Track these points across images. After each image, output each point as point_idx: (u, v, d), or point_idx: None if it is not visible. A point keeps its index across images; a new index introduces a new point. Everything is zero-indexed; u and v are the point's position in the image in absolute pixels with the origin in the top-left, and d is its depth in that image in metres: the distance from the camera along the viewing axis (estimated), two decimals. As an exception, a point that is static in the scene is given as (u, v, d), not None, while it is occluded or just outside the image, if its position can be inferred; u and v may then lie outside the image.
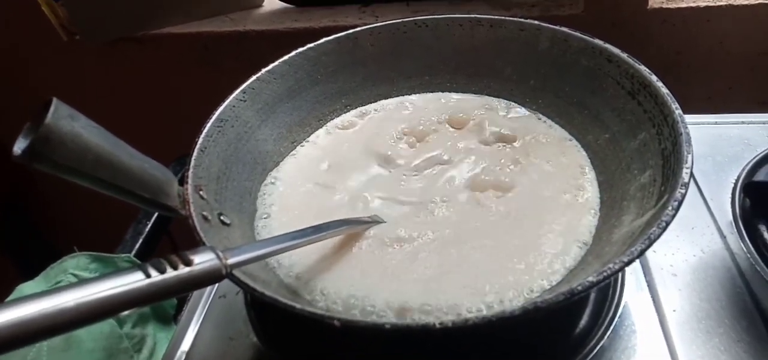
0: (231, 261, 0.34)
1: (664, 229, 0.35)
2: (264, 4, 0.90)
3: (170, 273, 0.31)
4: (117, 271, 0.29)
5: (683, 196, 0.37)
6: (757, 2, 0.72)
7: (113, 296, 0.29)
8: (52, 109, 0.34)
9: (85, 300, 0.28)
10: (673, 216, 0.36)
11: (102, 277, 0.29)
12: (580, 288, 0.32)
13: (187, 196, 0.43)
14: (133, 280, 0.30)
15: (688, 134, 0.41)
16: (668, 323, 0.44)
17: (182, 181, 0.44)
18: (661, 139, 0.44)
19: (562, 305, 0.32)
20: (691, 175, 0.38)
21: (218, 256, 0.33)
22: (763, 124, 0.63)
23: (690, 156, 0.40)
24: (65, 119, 0.35)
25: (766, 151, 0.58)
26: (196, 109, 0.56)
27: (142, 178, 0.40)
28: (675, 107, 0.44)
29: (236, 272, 0.35)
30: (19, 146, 0.35)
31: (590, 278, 0.33)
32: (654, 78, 0.47)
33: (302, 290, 0.43)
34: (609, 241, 0.42)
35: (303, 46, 0.61)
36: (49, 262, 0.58)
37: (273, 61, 0.59)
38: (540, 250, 0.44)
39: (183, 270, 0.32)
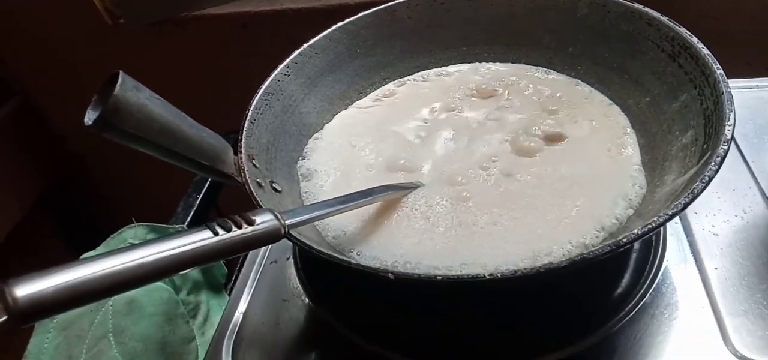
0: (288, 221, 0.36)
1: (707, 183, 0.36)
2: (300, -18, 0.92)
3: (235, 232, 0.33)
4: (187, 231, 0.32)
5: (726, 152, 0.38)
6: (799, -37, 0.71)
7: (185, 252, 0.31)
8: (119, 81, 0.37)
9: (162, 255, 0.30)
10: (716, 171, 0.37)
11: (174, 235, 0.31)
12: (625, 240, 0.33)
13: (242, 164, 0.45)
14: (202, 238, 0.32)
15: (730, 93, 0.42)
16: (710, 281, 0.45)
17: (235, 151, 0.47)
18: (703, 100, 0.45)
19: (608, 257, 0.33)
20: (733, 132, 0.39)
21: (277, 217, 0.35)
22: (807, 86, 0.63)
23: (732, 114, 0.40)
24: (131, 90, 0.37)
25: (809, 113, 0.57)
26: (236, 88, 0.58)
27: (201, 146, 0.42)
28: (716, 67, 0.44)
29: (292, 232, 0.37)
30: (89, 117, 0.37)
31: (635, 231, 0.34)
32: (695, 40, 0.48)
33: (347, 251, 0.45)
34: (651, 200, 0.43)
35: (340, 21, 0.62)
36: (100, 243, 0.62)
37: (309, 38, 0.60)
38: (585, 209, 0.45)
39: (246, 229, 0.34)
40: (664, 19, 0.51)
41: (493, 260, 0.42)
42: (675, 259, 0.47)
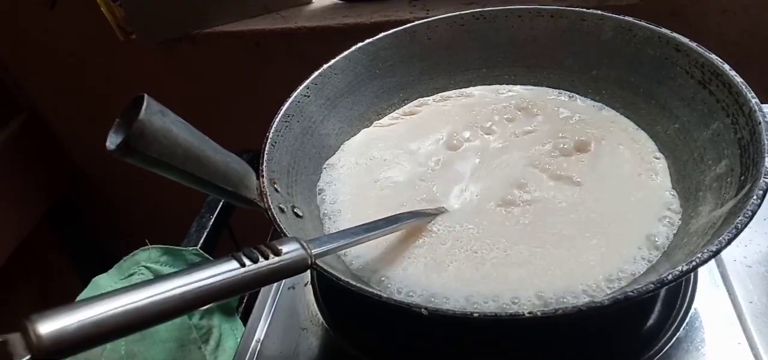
0: (315, 251, 0.35)
1: (751, 217, 0.35)
2: (314, 0, 0.91)
3: (262, 263, 0.32)
4: (214, 261, 0.30)
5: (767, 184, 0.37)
6: (822, -13, 0.70)
7: (213, 284, 0.30)
8: (144, 105, 0.35)
9: (189, 288, 0.29)
10: (759, 204, 0.36)
11: (200, 266, 0.30)
12: (670, 277, 0.32)
13: (264, 189, 0.44)
14: (229, 269, 0.31)
15: (767, 122, 0.41)
16: (745, 315, 0.43)
17: (257, 175, 0.45)
18: (737, 129, 0.44)
19: (652, 294, 0.32)
20: (775, 163, 0.38)
21: (303, 247, 0.34)
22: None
23: (772, 144, 0.39)
24: (157, 115, 0.36)
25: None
26: (249, 106, 0.57)
27: (225, 172, 0.41)
28: (751, 96, 0.43)
29: (319, 262, 0.36)
30: (112, 141, 0.36)
31: (681, 267, 0.32)
32: (727, 67, 0.47)
33: (373, 280, 0.43)
34: (687, 232, 0.42)
35: (353, 42, 0.61)
36: (106, 262, 0.60)
37: (323, 58, 0.59)
38: (620, 240, 0.43)
39: (274, 260, 0.33)
40: (693, 44, 0.50)
41: (525, 294, 0.41)
42: (707, 292, 0.46)
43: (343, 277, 0.37)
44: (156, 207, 1.09)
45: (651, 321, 0.45)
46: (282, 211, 0.44)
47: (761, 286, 0.46)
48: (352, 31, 0.84)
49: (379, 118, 0.62)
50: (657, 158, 0.51)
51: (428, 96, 0.64)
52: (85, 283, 0.56)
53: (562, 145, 0.54)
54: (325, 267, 0.37)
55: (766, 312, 0.44)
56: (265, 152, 0.48)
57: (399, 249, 0.46)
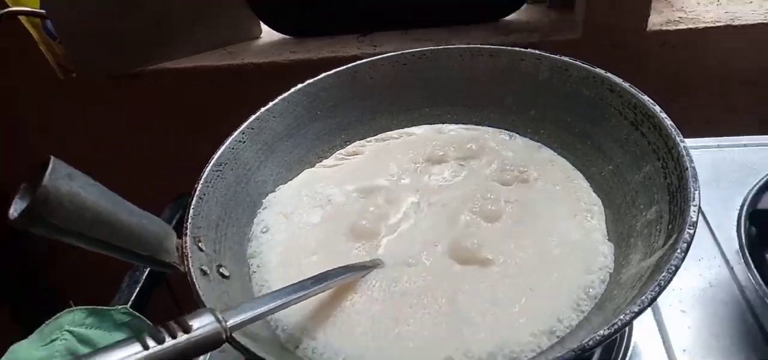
0: (231, 322, 0.33)
1: (674, 273, 0.35)
2: (262, 35, 0.90)
3: (169, 342, 0.30)
4: (114, 344, 0.29)
5: (692, 236, 0.36)
6: (754, 22, 0.71)
7: (111, 374, 0.28)
8: (49, 168, 0.33)
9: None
10: (683, 259, 0.35)
11: (99, 352, 0.28)
12: (591, 343, 0.31)
13: (185, 250, 0.42)
14: (129, 354, 0.29)
15: (694, 169, 0.41)
16: (680, 363, 0.43)
17: (180, 233, 0.44)
18: (667, 173, 0.44)
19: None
20: (699, 213, 0.38)
21: (218, 319, 0.32)
22: (765, 145, 0.63)
23: (697, 193, 0.39)
24: (63, 179, 0.34)
25: (768, 175, 0.57)
26: (196, 144, 0.55)
27: (140, 236, 0.39)
28: (680, 140, 0.43)
29: (236, 335, 0.35)
30: (15, 209, 0.34)
31: (601, 332, 0.32)
32: (657, 109, 0.47)
33: (302, 348, 0.42)
34: (618, 283, 0.41)
35: (301, 77, 0.60)
36: (46, 308, 0.57)
37: (272, 93, 0.58)
38: (554, 292, 0.42)
39: (182, 338, 0.31)
40: (626, 85, 0.50)
41: (452, 355, 0.39)
42: (643, 340, 0.45)
43: (261, 355, 0.35)
44: (90, 255, 1.05)
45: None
46: (204, 273, 0.42)
47: (695, 333, 0.46)
48: (301, 66, 0.83)
49: (320, 161, 0.61)
50: (592, 201, 0.50)
51: (371, 136, 0.63)
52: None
53: (499, 187, 0.53)
54: (244, 341, 0.35)
55: None
56: (191, 207, 0.46)
57: (330, 310, 0.44)
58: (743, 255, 0.47)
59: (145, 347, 0.29)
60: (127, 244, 0.38)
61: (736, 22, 0.72)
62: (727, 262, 0.50)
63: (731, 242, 0.52)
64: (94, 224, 0.36)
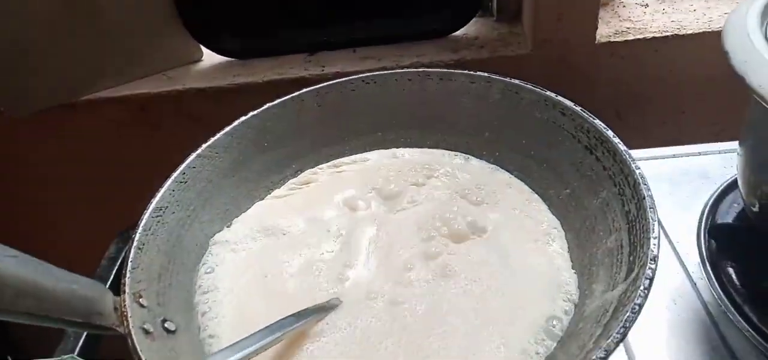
0: (175, 395, 0.30)
1: (638, 312, 0.34)
2: (204, 58, 0.86)
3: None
4: None
5: (654, 272, 0.36)
6: (701, 31, 0.73)
7: None
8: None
9: None
10: (646, 296, 0.35)
11: None
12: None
13: (124, 310, 0.39)
14: None
15: (651, 197, 0.40)
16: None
17: (118, 290, 0.40)
18: (625, 201, 0.43)
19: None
20: (659, 246, 0.37)
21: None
22: (719, 153, 0.63)
23: (656, 225, 0.38)
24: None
25: (724, 184, 0.58)
26: (138, 175, 0.52)
27: (70, 302, 0.35)
28: (635, 167, 0.43)
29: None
30: None
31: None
32: (610, 133, 0.46)
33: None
34: (581, 316, 0.40)
35: (246, 101, 0.57)
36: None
37: (216, 118, 0.55)
38: (517, 327, 0.41)
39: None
40: (578, 109, 0.50)
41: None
42: (609, 364, 0.44)
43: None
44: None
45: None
46: (147, 332, 0.39)
47: (661, 352, 0.45)
48: (246, 90, 0.80)
49: (270, 194, 0.58)
50: (552, 224, 0.50)
51: (323, 163, 0.61)
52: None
53: (456, 215, 0.51)
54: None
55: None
56: (129, 261, 0.42)
57: (288, 355, 0.42)
58: (705, 270, 0.47)
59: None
60: (57, 313, 0.35)
61: (682, 32, 0.73)
62: (689, 275, 0.50)
63: (692, 255, 0.52)
64: (17, 298, 0.33)
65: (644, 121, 0.78)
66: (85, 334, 0.60)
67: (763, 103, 0.35)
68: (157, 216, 0.48)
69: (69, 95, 0.81)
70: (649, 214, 0.39)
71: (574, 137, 0.49)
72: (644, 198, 0.40)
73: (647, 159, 0.63)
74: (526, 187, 0.54)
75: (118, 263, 0.66)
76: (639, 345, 0.47)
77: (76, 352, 0.58)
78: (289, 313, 0.42)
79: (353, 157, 0.61)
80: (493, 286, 0.45)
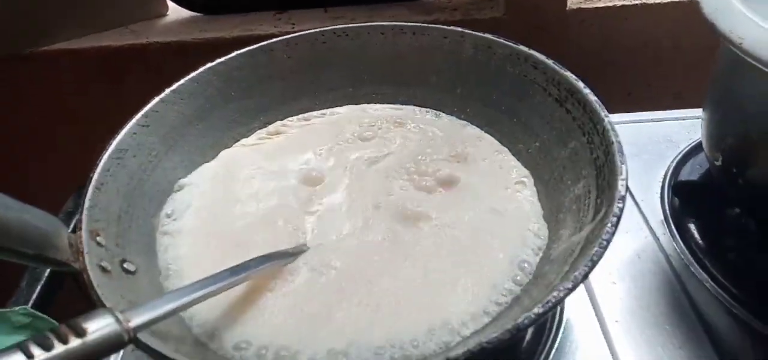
0: (134, 323, 0.29)
1: (606, 248, 0.34)
2: (169, 13, 0.84)
3: (59, 348, 0.26)
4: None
5: (621, 210, 0.36)
6: (667, 1, 0.74)
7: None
8: None
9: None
10: (613, 232, 0.35)
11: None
12: (526, 322, 0.30)
13: (80, 245, 0.37)
14: (10, 365, 0.24)
15: (619, 143, 0.40)
16: (611, 336, 0.44)
17: (76, 228, 0.39)
18: (593, 149, 0.43)
19: (508, 342, 0.30)
20: (627, 186, 0.37)
21: (117, 319, 0.28)
22: (682, 120, 0.65)
23: (624, 166, 0.39)
24: None
25: (687, 148, 0.59)
26: (98, 132, 0.50)
27: (22, 233, 0.34)
28: (604, 115, 0.43)
29: (142, 335, 0.31)
30: None
31: (536, 310, 0.30)
32: (581, 85, 0.46)
33: (222, 344, 0.38)
34: (548, 259, 0.40)
35: (213, 57, 0.56)
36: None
37: (180, 75, 0.53)
38: (481, 269, 0.41)
39: (74, 343, 0.27)
40: (550, 62, 0.50)
41: (388, 337, 0.37)
42: (576, 313, 0.45)
43: (169, 354, 0.31)
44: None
45: (522, 348, 0.43)
46: (104, 270, 0.37)
47: (626, 304, 0.46)
48: (213, 45, 0.78)
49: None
50: (523, 174, 0.50)
51: (293, 116, 0.60)
52: None
53: (427, 168, 0.51)
54: (151, 341, 0.31)
55: (631, 331, 0.44)
56: (87, 198, 0.41)
57: (250, 300, 0.40)
58: (668, 225, 0.48)
59: (29, 356, 0.25)
60: (7, 243, 0.33)
61: (650, 1, 0.74)
62: (652, 232, 0.51)
63: (656, 214, 0.53)
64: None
65: (614, 89, 0.78)
66: (38, 287, 0.58)
67: (732, 48, 0.36)
68: (118, 158, 0.46)
69: (25, 45, 0.77)
70: (618, 157, 0.39)
71: (545, 90, 0.50)
72: (613, 143, 0.40)
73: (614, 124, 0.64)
74: (495, 141, 0.54)
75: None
76: (603, 298, 0.47)
77: (29, 305, 0.56)
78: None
79: (323, 110, 0.60)
80: (463, 231, 0.44)
